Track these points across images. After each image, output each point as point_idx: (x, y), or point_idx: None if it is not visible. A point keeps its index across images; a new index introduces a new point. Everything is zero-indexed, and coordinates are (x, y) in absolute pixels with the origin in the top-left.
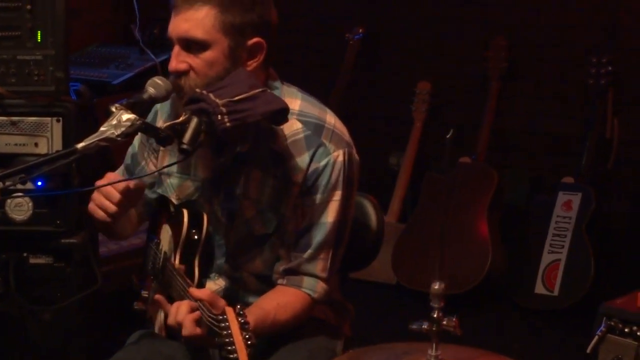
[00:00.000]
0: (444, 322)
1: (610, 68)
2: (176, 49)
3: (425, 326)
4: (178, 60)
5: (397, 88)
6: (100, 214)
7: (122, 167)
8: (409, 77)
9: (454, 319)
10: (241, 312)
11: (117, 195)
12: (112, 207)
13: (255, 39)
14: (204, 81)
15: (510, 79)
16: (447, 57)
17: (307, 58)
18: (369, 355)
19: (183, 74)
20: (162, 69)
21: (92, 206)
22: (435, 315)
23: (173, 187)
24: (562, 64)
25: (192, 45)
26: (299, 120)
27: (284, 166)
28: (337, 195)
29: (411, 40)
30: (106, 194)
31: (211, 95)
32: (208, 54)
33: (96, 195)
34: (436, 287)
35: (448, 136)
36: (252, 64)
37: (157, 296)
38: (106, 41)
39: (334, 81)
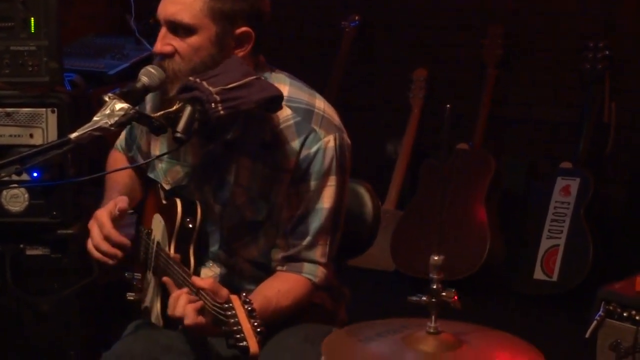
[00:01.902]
0: (443, 294)
1: (606, 52)
2: (163, 30)
3: (424, 298)
4: (163, 42)
5: (394, 75)
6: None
7: (122, 137)
8: (405, 64)
9: (453, 291)
10: (247, 300)
11: (108, 247)
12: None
13: (243, 28)
14: (188, 66)
15: (507, 65)
16: (444, 44)
17: (303, 46)
18: (367, 329)
19: (168, 56)
20: None
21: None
22: (434, 287)
23: (164, 172)
24: (558, 50)
25: (179, 29)
26: (288, 107)
27: (275, 153)
28: (332, 181)
29: (407, 27)
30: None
31: (204, 83)
32: (194, 39)
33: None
34: (435, 258)
35: (447, 111)
36: (240, 53)
37: (165, 279)
38: (102, 32)
39: (330, 69)
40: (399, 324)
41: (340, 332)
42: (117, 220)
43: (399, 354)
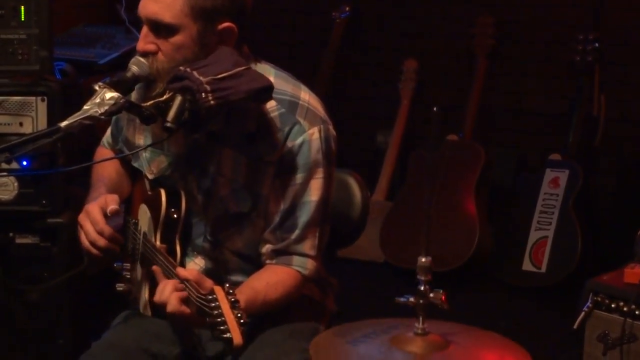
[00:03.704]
0: (431, 295)
1: (596, 45)
2: (144, 29)
3: (411, 299)
4: (146, 41)
5: (384, 66)
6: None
7: (108, 133)
8: (395, 55)
9: (440, 292)
10: (230, 291)
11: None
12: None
13: (225, 24)
14: (171, 65)
15: (497, 56)
16: (434, 35)
17: (294, 37)
18: (355, 329)
19: (150, 54)
20: None
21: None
22: (422, 289)
23: (147, 161)
24: (548, 41)
25: (161, 28)
26: (273, 98)
27: (258, 145)
28: (319, 173)
29: (398, 18)
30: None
31: (195, 73)
32: (176, 38)
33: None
34: (423, 260)
35: (434, 114)
36: None
37: (154, 267)
38: (92, 21)
39: (321, 60)
40: (387, 324)
41: (327, 333)
42: (107, 216)
43: (386, 355)
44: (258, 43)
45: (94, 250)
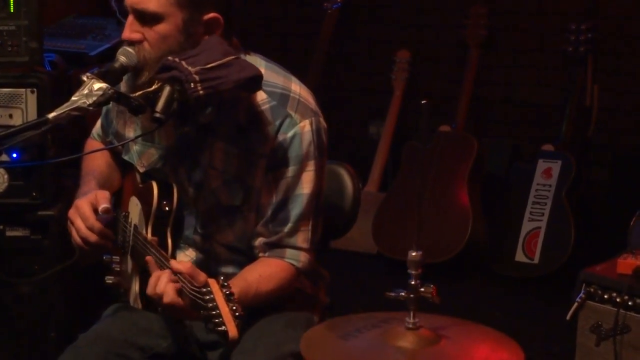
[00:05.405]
0: (422, 290)
1: (589, 35)
2: (130, 18)
3: (402, 294)
4: (131, 29)
5: (377, 57)
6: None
7: (98, 125)
8: (388, 46)
9: (431, 287)
10: (225, 284)
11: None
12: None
13: (211, 14)
14: (157, 54)
15: (490, 47)
16: (427, 25)
17: (286, 27)
18: (347, 324)
19: (136, 43)
20: None
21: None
22: (412, 283)
23: (138, 154)
24: (541, 31)
25: (146, 17)
26: (264, 91)
27: (249, 137)
28: (311, 166)
29: (390, 8)
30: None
31: (183, 63)
32: (161, 27)
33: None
34: (413, 254)
35: (423, 107)
36: None
37: (148, 258)
38: (83, 12)
39: (312, 50)
40: (379, 318)
41: (319, 327)
42: (97, 212)
43: (378, 350)
44: (250, 34)
45: (86, 246)
